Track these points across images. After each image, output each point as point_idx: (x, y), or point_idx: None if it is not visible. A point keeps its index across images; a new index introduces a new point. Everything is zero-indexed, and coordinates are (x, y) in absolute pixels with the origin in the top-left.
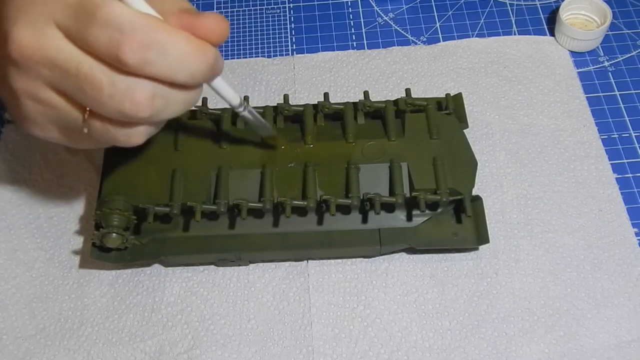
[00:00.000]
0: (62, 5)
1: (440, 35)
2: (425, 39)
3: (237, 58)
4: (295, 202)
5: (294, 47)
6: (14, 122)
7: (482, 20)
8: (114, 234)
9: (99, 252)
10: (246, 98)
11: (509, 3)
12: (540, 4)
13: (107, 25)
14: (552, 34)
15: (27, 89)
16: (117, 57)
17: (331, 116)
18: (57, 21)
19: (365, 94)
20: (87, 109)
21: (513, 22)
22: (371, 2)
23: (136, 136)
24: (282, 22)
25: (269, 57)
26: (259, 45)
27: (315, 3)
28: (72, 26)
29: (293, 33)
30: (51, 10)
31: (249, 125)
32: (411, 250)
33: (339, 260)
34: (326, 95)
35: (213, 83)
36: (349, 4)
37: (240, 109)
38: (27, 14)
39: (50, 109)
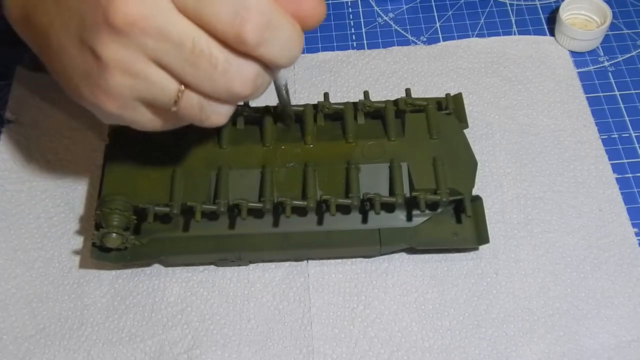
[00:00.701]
0: None
1: (440, 35)
2: (425, 39)
3: None
4: (295, 202)
5: None
6: (79, 98)
7: (482, 20)
8: (114, 234)
9: (99, 252)
10: None
11: (509, 3)
12: (540, 4)
13: (231, 1)
14: (552, 34)
15: (121, 60)
16: (237, 34)
17: (331, 116)
18: None
19: (365, 94)
20: (183, 85)
21: (513, 22)
22: (371, 2)
23: (224, 115)
24: None
25: None
26: None
27: None
28: (188, 0)
29: None
30: None
31: (281, 98)
32: (411, 250)
33: (339, 260)
34: (326, 95)
35: None
36: (349, 4)
37: (283, 89)
38: None
39: (142, 83)
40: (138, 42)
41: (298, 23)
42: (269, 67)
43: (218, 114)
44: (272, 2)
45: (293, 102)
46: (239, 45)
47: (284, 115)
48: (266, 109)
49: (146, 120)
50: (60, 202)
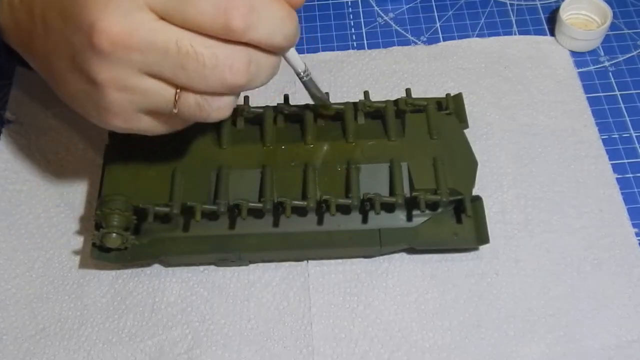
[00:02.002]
0: None
1: (440, 35)
2: (425, 39)
3: None
4: (295, 202)
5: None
6: (89, 118)
7: (482, 20)
8: (114, 234)
9: (99, 252)
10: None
11: (509, 3)
12: (540, 4)
13: None
14: (553, 34)
15: (114, 79)
16: (224, 24)
17: (331, 116)
18: (149, 3)
19: (366, 94)
20: (178, 88)
21: (513, 22)
22: (371, 2)
23: (226, 108)
24: None
25: None
26: None
27: (315, 3)
28: (169, 4)
29: None
30: None
31: (308, 90)
32: (411, 250)
33: (339, 260)
34: (326, 95)
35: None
36: (349, 4)
37: (304, 75)
38: (113, 1)
39: (138, 96)
40: (126, 59)
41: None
42: (269, 51)
43: (218, 109)
44: None
45: (293, 102)
46: (228, 35)
47: (321, 107)
48: (266, 109)
49: (154, 127)
50: (60, 202)
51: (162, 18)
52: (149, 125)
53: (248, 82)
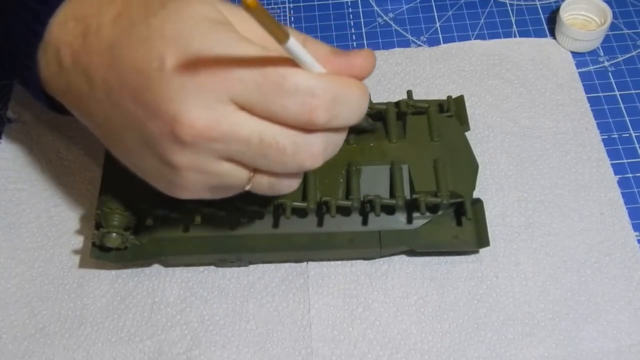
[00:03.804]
0: (239, 82)
1: (440, 36)
2: (425, 39)
3: None
4: (296, 203)
5: None
6: (154, 184)
7: (482, 21)
8: (114, 234)
9: (99, 252)
10: None
11: (509, 3)
12: (540, 4)
13: (297, 93)
14: (552, 34)
15: (192, 164)
16: (309, 120)
17: None
18: (233, 97)
19: None
20: (253, 169)
21: (513, 22)
22: (371, 2)
23: (296, 184)
24: (282, 22)
25: None
26: None
27: (315, 3)
28: (253, 100)
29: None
30: (226, 88)
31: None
32: (411, 253)
33: (339, 262)
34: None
35: None
36: (349, 4)
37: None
38: (196, 94)
39: (214, 178)
40: (207, 148)
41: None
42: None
43: (289, 186)
44: (333, 78)
45: None
46: (312, 127)
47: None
48: None
49: (216, 196)
50: (61, 201)
51: (244, 109)
52: (211, 196)
53: (323, 162)
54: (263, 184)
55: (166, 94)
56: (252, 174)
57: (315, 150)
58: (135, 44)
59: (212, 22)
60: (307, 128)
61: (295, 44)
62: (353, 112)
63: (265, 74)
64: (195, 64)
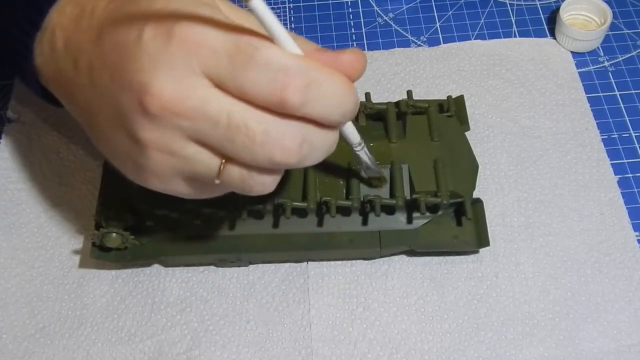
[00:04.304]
0: (211, 52)
1: (440, 36)
2: (425, 39)
3: None
4: (296, 203)
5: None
6: (126, 173)
7: (482, 21)
8: (114, 234)
9: (99, 252)
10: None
11: (509, 3)
12: (540, 4)
13: (269, 67)
14: (552, 34)
15: (159, 142)
16: (280, 99)
17: None
18: (205, 70)
19: (367, 95)
20: (224, 159)
21: (513, 22)
22: (371, 2)
23: (270, 184)
24: (282, 22)
25: None
26: None
27: (315, 3)
28: (224, 73)
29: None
30: (198, 60)
31: (357, 164)
32: (411, 253)
33: (339, 262)
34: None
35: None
36: (349, 4)
37: (359, 148)
38: (167, 65)
39: (182, 161)
40: (174, 124)
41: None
42: (324, 126)
43: (262, 184)
44: (311, 61)
45: None
46: (282, 109)
47: (373, 179)
48: None
49: (189, 192)
50: (61, 201)
51: (217, 86)
52: (184, 190)
53: (299, 162)
54: (234, 177)
55: (139, 64)
56: (222, 163)
57: (288, 144)
58: (120, 22)
59: (200, 3)
60: (279, 110)
61: (264, 8)
62: (332, 104)
63: (238, 45)
64: (171, 34)
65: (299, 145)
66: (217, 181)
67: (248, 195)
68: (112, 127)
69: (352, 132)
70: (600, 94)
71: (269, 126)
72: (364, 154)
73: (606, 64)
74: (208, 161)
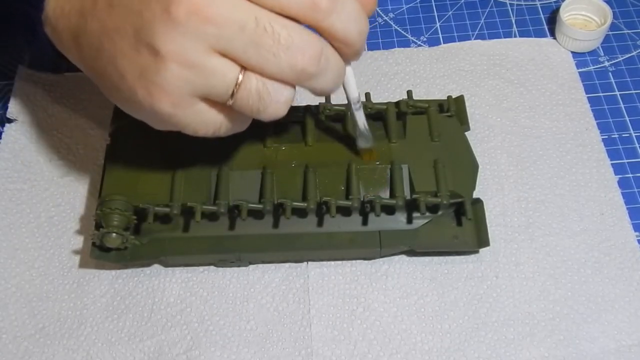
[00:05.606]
0: None
1: (440, 36)
2: (425, 39)
3: None
4: (296, 203)
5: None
6: (134, 98)
7: (482, 21)
8: (114, 234)
9: (99, 252)
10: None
11: (509, 3)
12: (540, 4)
13: None
14: (552, 34)
15: (180, 52)
16: (312, 2)
17: (332, 117)
18: None
19: (367, 95)
20: (242, 71)
21: (513, 22)
22: None
23: (284, 104)
24: None
25: None
26: None
27: None
28: None
29: None
30: None
31: (351, 128)
32: (411, 253)
33: (339, 262)
34: (327, 96)
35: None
36: None
37: (357, 105)
38: None
39: (200, 74)
40: (199, 31)
41: None
42: (340, 51)
43: (277, 103)
44: None
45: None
46: (312, 14)
47: (363, 150)
48: None
49: (199, 122)
50: (61, 201)
51: None
52: (195, 118)
53: (316, 73)
54: (251, 90)
55: None
56: (241, 74)
57: (310, 51)
58: None
59: None
60: (308, 16)
61: None
62: (351, 21)
63: None
64: None
65: (319, 55)
66: (230, 102)
67: (248, 194)
68: (127, 45)
69: (353, 87)
70: (601, 94)
71: (294, 32)
72: (361, 114)
73: (606, 64)
74: (227, 72)
